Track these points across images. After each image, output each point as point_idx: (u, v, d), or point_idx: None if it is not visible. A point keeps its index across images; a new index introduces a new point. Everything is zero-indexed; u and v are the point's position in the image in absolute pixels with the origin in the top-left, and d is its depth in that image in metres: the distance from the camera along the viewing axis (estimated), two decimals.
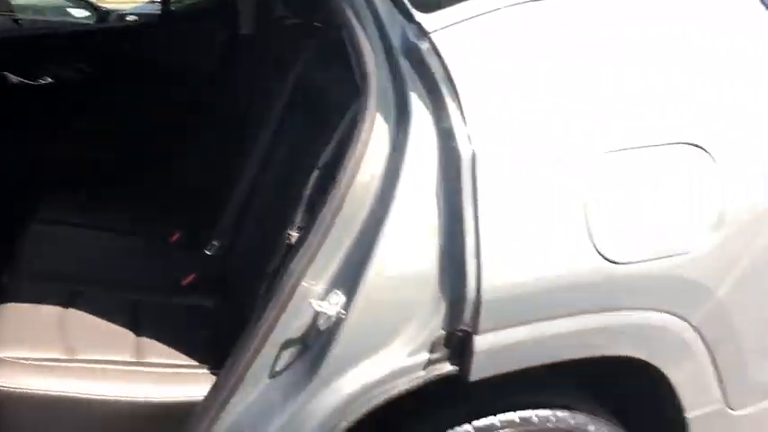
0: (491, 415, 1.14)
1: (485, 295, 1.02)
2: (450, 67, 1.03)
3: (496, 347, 1.07)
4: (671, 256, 1.13)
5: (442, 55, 1.04)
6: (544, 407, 1.17)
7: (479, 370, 1.07)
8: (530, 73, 1.10)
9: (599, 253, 1.09)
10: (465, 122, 1.02)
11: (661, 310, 1.16)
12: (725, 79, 1.20)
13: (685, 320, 1.18)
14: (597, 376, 1.26)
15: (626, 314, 1.14)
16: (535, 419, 1.17)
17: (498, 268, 1.04)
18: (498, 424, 1.14)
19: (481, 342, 1.05)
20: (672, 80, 1.17)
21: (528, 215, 1.06)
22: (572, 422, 1.20)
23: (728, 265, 1.19)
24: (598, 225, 1.09)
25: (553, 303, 1.09)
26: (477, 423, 1.15)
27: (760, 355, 1.28)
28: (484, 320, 1.04)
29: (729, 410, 1.29)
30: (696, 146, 1.14)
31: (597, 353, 1.16)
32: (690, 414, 1.24)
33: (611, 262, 1.10)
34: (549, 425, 1.17)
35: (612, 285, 1.12)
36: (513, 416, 1.15)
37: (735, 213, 1.17)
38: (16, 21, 4.43)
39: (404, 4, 1.06)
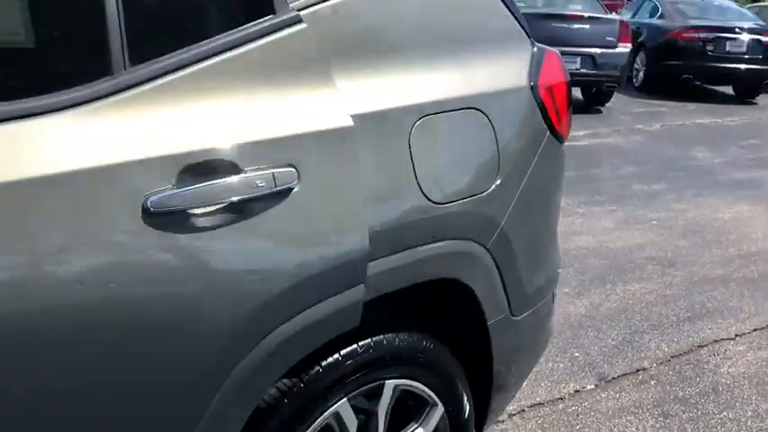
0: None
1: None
2: None
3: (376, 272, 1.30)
4: (479, 193, 1.47)
5: None
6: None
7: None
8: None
9: (426, 196, 1.38)
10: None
11: (468, 239, 1.49)
12: (493, 60, 1.58)
13: (483, 246, 1.53)
14: (431, 303, 1.55)
15: (447, 243, 1.45)
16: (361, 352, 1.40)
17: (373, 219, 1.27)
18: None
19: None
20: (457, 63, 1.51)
21: (378, 177, 1.31)
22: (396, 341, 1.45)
23: (507, 203, 1.57)
24: (426, 175, 1.37)
25: (401, 239, 1.35)
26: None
27: (529, 273, 1.70)
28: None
29: (513, 317, 1.68)
30: (478, 110, 1.50)
31: (433, 276, 1.44)
32: (489, 322, 1.60)
33: (434, 203, 1.39)
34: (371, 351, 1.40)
35: (436, 221, 1.41)
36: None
37: (507, 163, 1.55)
38: None
39: None
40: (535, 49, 1.71)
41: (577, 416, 2.46)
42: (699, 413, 2.51)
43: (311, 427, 1.33)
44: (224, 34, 1.16)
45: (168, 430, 1.13)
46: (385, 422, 1.47)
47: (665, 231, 4.43)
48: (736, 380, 2.74)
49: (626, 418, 2.45)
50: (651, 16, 11.64)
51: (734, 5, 13.18)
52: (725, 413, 2.52)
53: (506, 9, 1.64)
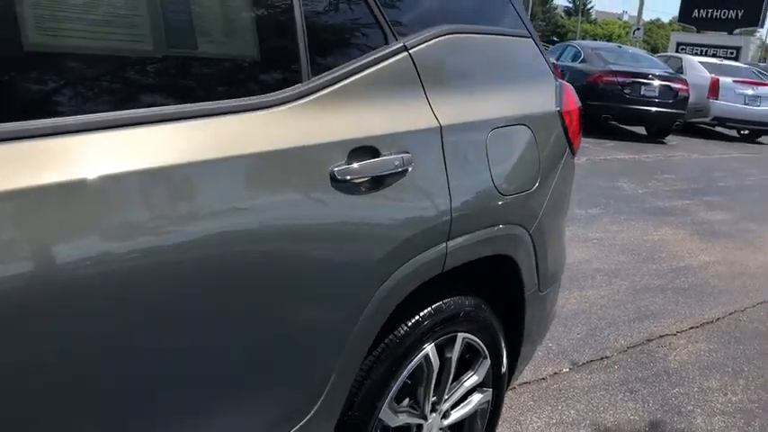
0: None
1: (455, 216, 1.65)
2: None
3: (454, 249, 1.69)
4: (527, 190, 1.91)
5: None
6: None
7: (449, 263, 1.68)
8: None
9: (498, 190, 1.80)
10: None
11: (519, 225, 1.92)
12: (533, 90, 2.03)
13: (527, 231, 1.96)
14: (484, 276, 1.96)
15: (506, 227, 1.87)
16: (444, 308, 1.79)
17: (459, 201, 1.67)
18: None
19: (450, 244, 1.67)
20: (511, 91, 1.95)
21: (465, 171, 1.72)
22: (466, 302, 1.85)
23: (543, 199, 2.01)
24: (497, 174, 1.79)
25: (481, 219, 1.76)
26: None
27: (552, 258, 2.14)
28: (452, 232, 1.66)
29: (539, 292, 2.11)
30: (527, 126, 1.94)
31: (494, 253, 1.86)
32: (527, 292, 2.03)
33: (502, 195, 1.82)
34: (447, 311, 1.79)
35: (503, 209, 1.83)
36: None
37: (544, 168, 2.00)
38: None
39: None
40: (557, 82, 2.18)
41: (559, 391, 2.91)
42: (656, 389, 3.01)
43: (412, 362, 1.71)
44: (363, 56, 1.55)
45: (330, 348, 1.47)
46: (454, 367, 1.86)
47: (606, 249, 5.02)
48: (681, 365, 3.28)
49: (599, 393, 2.92)
50: (574, 60, 12.64)
51: (646, 54, 14.45)
52: (676, 389, 3.03)
53: (541, 55, 2.10)
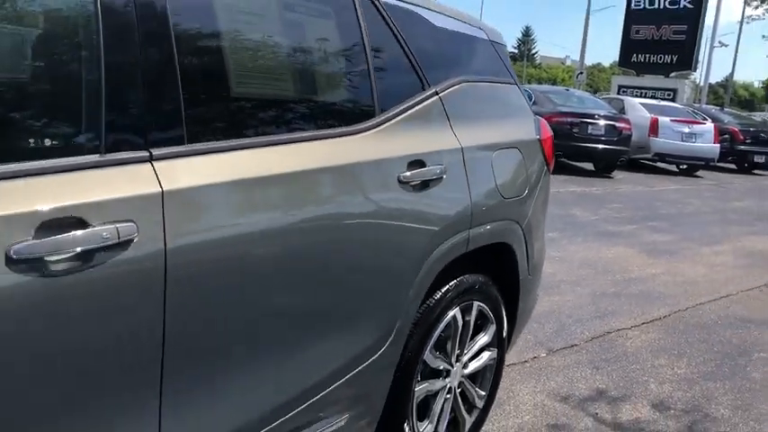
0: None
1: (474, 211, 2.31)
2: None
3: (474, 235, 2.35)
4: (520, 196, 2.59)
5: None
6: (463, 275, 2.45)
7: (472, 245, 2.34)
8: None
9: (501, 194, 2.47)
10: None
11: (515, 221, 2.59)
12: (520, 123, 2.73)
13: (520, 226, 2.63)
14: (487, 261, 2.61)
15: (507, 222, 2.54)
16: (465, 281, 2.43)
17: (477, 201, 2.33)
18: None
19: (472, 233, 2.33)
20: (506, 124, 2.64)
21: (479, 179, 2.38)
22: (479, 278, 2.50)
23: (530, 203, 2.69)
24: (500, 183, 2.47)
25: (490, 215, 2.43)
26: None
27: (538, 248, 2.81)
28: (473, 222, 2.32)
29: (529, 276, 2.77)
30: (518, 149, 2.63)
31: (499, 240, 2.52)
32: (520, 274, 2.69)
33: (504, 198, 2.49)
34: (466, 283, 2.43)
35: (504, 208, 2.50)
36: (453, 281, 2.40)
37: (530, 180, 2.68)
38: None
39: None
40: (535, 117, 2.88)
41: (540, 370, 3.55)
42: (617, 366, 3.68)
43: (444, 320, 2.33)
44: (410, 99, 2.21)
45: (397, 303, 2.09)
46: (471, 328, 2.49)
47: (567, 264, 5.74)
48: (637, 350, 3.97)
49: (572, 370, 3.58)
50: None
51: (591, 96, 15.59)
52: (633, 366, 3.71)
53: (523, 97, 2.81)
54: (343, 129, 1.95)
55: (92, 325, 1.32)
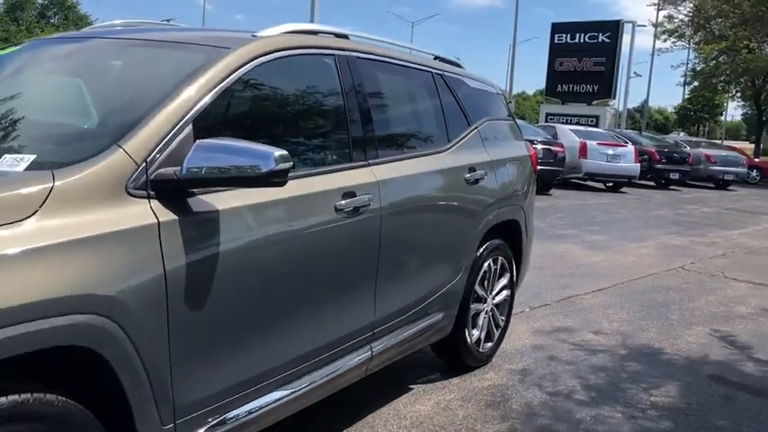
0: None
1: (499, 198, 3.85)
2: None
3: (499, 213, 3.88)
4: (522, 189, 4.14)
5: None
6: None
7: None
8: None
9: (512, 188, 4.01)
10: None
11: (519, 206, 4.13)
12: (518, 145, 4.28)
13: (522, 209, 4.17)
14: None
15: (516, 206, 4.08)
16: (494, 243, 3.95)
17: (501, 192, 3.87)
18: None
19: None
20: (511, 145, 4.19)
21: (501, 179, 3.92)
22: (501, 242, 4.02)
23: (525, 199, 4.24)
24: (511, 182, 4.01)
25: (507, 201, 3.97)
26: None
27: (531, 224, 4.36)
28: None
29: (527, 242, 4.31)
30: (519, 161, 4.18)
31: (511, 218, 4.06)
32: (523, 243, 4.23)
33: (516, 194, 4.03)
34: (494, 244, 3.96)
35: (515, 199, 4.04)
36: None
37: (527, 183, 4.23)
38: None
39: None
40: (525, 141, 4.45)
41: (527, 318, 5.07)
42: (579, 315, 5.24)
43: (483, 267, 3.80)
44: (464, 131, 3.71)
45: (465, 254, 3.56)
46: (497, 274, 3.98)
47: (536, 258, 7.31)
48: (591, 306, 5.55)
49: (549, 317, 5.11)
50: None
51: (527, 123, 17.53)
52: (590, 315, 5.28)
53: (518, 128, 4.38)
54: (435, 150, 3.44)
55: (356, 243, 2.75)
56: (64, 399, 1.72)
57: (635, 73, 42.26)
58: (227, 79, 2.28)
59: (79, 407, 1.76)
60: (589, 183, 17.39)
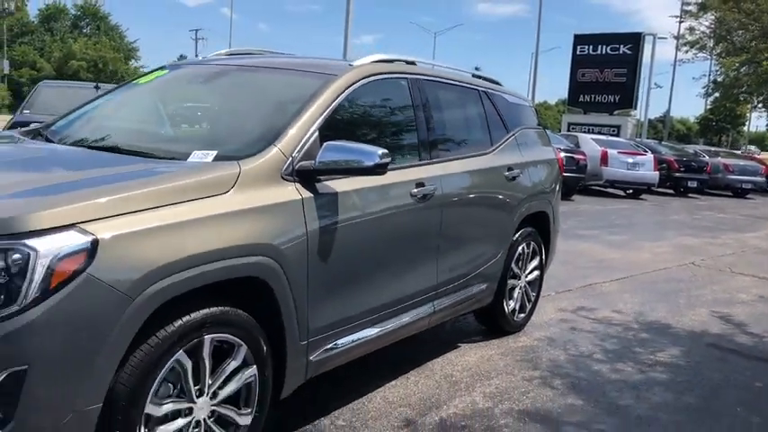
0: None
1: (531, 193, 4.69)
2: None
3: (531, 206, 4.72)
4: (550, 187, 4.97)
5: None
6: None
7: None
8: None
9: (542, 186, 4.84)
10: None
11: (548, 200, 4.96)
12: (547, 150, 5.11)
13: (551, 203, 5.00)
14: None
15: (545, 201, 4.91)
16: (527, 230, 4.78)
17: (533, 189, 4.71)
18: None
19: None
20: (542, 150, 5.03)
21: (533, 179, 4.76)
22: (532, 230, 4.85)
23: (554, 194, 5.06)
24: (542, 180, 4.84)
25: (537, 196, 4.81)
26: None
27: (558, 216, 5.18)
28: None
29: (555, 231, 5.14)
30: (548, 163, 5.01)
31: (541, 210, 4.89)
32: (551, 231, 5.06)
33: (545, 192, 4.86)
34: (527, 231, 4.78)
35: (546, 194, 4.88)
36: None
37: (556, 181, 5.06)
38: None
39: None
40: (553, 146, 5.27)
41: (554, 299, 5.88)
42: (598, 298, 6.03)
43: (519, 250, 4.63)
44: (503, 136, 4.55)
45: (504, 239, 4.39)
46: (529, 255, 4.80)
47: (560, 254, 8.12)
48: (609, 292, 6.34)
49: (573, 299, 5.91)
50: None
51: (551, 132, 18.28)
52: (607, 298, 6.07)
53: (547, 135, 5.20)
54: (481, 152, 4.28)
55: (424, 222, 3.59)
56: (245, 313, 2.58)
57: (655, 84, 42.73)
58: (338, 98, 3.14)
59: (253, 320, 2.61)
60: (609, 190, 18.10)
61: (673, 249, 9.33)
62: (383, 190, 3.25)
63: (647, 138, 34.70)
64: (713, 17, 35.89)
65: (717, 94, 41.97)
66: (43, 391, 1.99)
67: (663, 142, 26.89)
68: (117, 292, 2.08)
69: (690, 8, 35.69)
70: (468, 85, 4.40)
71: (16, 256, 1.96)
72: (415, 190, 3.45)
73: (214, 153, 2.76)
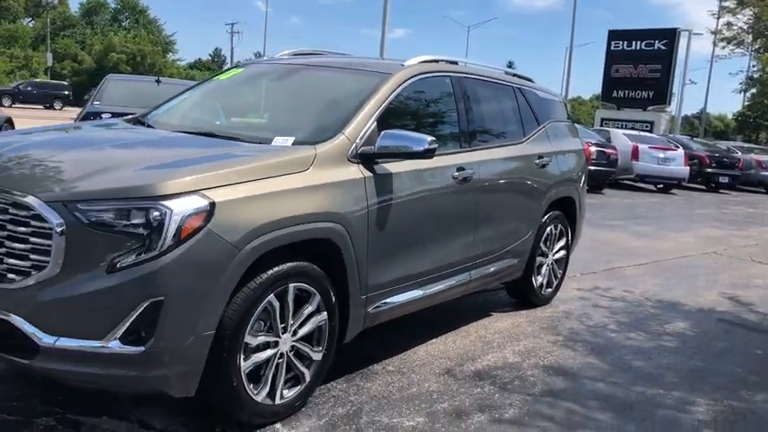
0: None
1: (559, 180, 5.22)
2: None
3: (559, 191, 5.25)
4: (577, 174, 5.50)
5: None
6: None
7: None
8: None
9: (570, 173, 5.37)
10: None
11: (574, 186, 5.48)
12: (574, 140, 5.64)
13: (577, 189, 5.52)
14: None
15: (572, 187, 5.44)
16: (555, 213, 5.31)
17: (560, 176, 5.24)
18: None
19: None
20: (570, 140, 5.55)
21: (561, 166, 5.29)
22: (560, 213, 5.38)
23: (581, 182, 5.59)
24: (569, 168, 5.37)
25: (565, 183, 5.34)
26: None
27: (584, 201, 5.71)
28: None
29: (581, 215, 5.67)
30: (575, 153, 5.53)
31: (568, 195, 5.41)
32: (577, 215, 5.58)
33: (573, 180, 5.39)
34: (555, 214, 5.30)
35: (573, 181, 5.40)
36: None
37: (582, 169, 5.58)
38: None
39: None
40: (580, 137, 5.79)
41: (579, 279, 6.39)
42: (620, 279, 6.53)
43: (546, 231, 5.16)
44: (534, 128, 5.08)
45: (535, 219, 4.92)
46: (557, 237, 5.33)
47: (583, 241, 8.60)
48: (631, 275, 6.83)
49: (596, 280, 6.42)
50: None
51: (583, 128, 18.61)
52: (629, 279, 6.56)
53: (575, 127, 5.72)
54: (515, 142, 4.82)
55: (464, 201, 4.16)
56: (319, 269, 3.17)
57: (690, 80, 42.52)
58: (393, 93, 3.72)
59: (324, 274, 3.20)
60: (640, 185, 18.41)
61: (697, 239, 9.75)
62: (429, 172, 3.81)
63: (683, 134, 34.66)
64: (751, 12, 35.71)
65: (753, 90, 41.70)
66: (174, 317, 2.60)
67: (695, 138, 26.98)
68: (228, 244, 2.68)
69: (727, 4, 35.53)
70: (504, 82, 4.94)
71: (155, 213, 2.57)
72: (456, 173, 4.01)
73: (292, 139, 3.35)
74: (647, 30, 31.90)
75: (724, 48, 38.15)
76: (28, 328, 2.59)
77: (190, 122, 3.81)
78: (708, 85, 49.37)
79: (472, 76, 4.51)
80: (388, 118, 3.65)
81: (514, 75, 5.25)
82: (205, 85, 4.52)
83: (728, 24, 37.05)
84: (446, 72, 4.27)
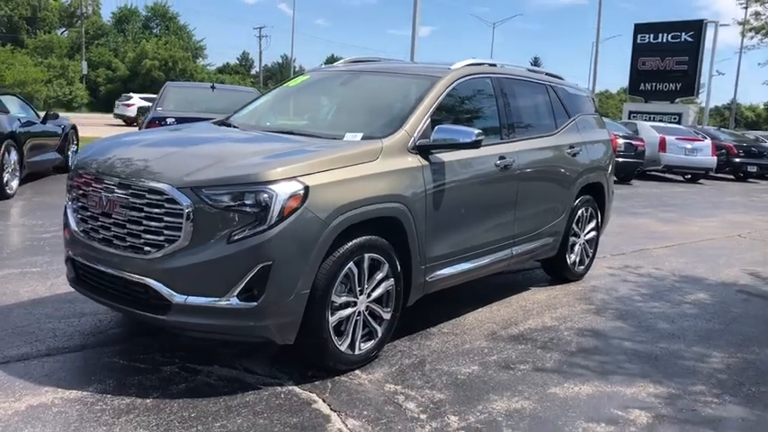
0: None
1: (589, 167, 5.79)
2: None
3: (589, 177, 5.81)
4: (605, 162, 6.07)
5: None
6: None
7: None
8: None
9: (598, 161, 5.94)
10: None
11: (603, 173, 6.05)
12: (601, 131, 6.20)
13: (605, 175, 6.08)
14: None
15: (601, 174, 6.00)
16: (585, 197, 5.87)
17: (590, 164, 5.81)
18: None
19: None
20: (596, 131, 6.11)
21: (590, 155, 5.86)
22: (590, 197, 5.94)
23: (608, 170, 6.15)
24: (598, 157, 5.94)
25: (594, 170, 5.90)
26: None
27: (612, 188, 6.26)
28: None
29: (609, 200, 6.22)
30: (603, 143, 6.09)
31: (597, 181, 5.97)
32: (606, 200, 6.15)
33: (601, 168, 5.96)
34: (586, 198, 5.87)
35: (599, 168, 5.97)
36: None
37: (610, 158, 6.14)
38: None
39: None
40: (606, 128, 6.35)
41: (608, 260, 6.93)
42: (647, 258, 7.06)
43: (577, 213, 5.73)
44: (566, 121, 5.65)
45: (567, 203, 5.50)
46: (587, 219, 5.90)
47: (612, 226, 9.12)
48: (658, 255, 7.35)
49: (626, 260, 6.96)
50: None
51: (611, 121, 19.05)
52: (656, 259, 7.09)
53: (602, 120, 6.28)
54: (548, 133, 5.40)
55: (505, 187, 4.76)
56: (386, 241, 3.80)
57: (717, 71, 42.39)
58: (443, 94, 4.33)
59: (391, 246, 3.83)
60: (668, 175, 18.77)
61: (722, 224, 10.20)
62: (476, 161, 4.42)
63: (713, 125, 34.68)
64: None
65: None
66: (279, 278, 3.24)
67: (722, 129, 27.10)
68: (320, 220, 3.32)
69: None
70: (537, 81, 5.52)
71: (264, 195, 3.22)
72: (498, 161, 4.61)
73: (360, 134, 3.98)
74: (673, 22, 32.00)
75: (752, 38, 37.96)
76: (164, 289, 3.26)
77: (270, 123, 4.47)
78: (737, 75, 49.17)
79: (509, 76, 5.10)
80: (440, 114, 4.26)
81: (546, 73, 5.82)
82: (277, 91, 5.19)
83: (756, 14, 36.87)
84: (487, 73, 4.87)
